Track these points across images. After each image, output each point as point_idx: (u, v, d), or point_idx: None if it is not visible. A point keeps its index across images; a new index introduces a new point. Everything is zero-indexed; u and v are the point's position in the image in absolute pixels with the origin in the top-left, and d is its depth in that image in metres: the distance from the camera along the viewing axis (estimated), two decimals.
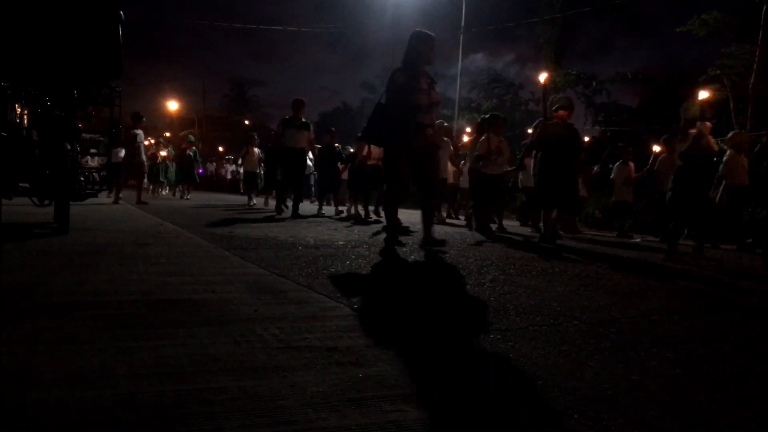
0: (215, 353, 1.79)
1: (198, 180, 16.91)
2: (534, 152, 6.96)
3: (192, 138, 16.69)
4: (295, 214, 8.82)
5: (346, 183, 11.11)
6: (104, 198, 11.26)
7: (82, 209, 6.75)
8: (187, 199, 14.83)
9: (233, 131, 46.19)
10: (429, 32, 5.01)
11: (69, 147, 4.74)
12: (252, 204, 12.38)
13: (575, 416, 1.44)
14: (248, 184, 13.58)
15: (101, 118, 6.11)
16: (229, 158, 31.72)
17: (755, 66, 11.92)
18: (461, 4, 20.44)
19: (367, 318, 2.38)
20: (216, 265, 3.52)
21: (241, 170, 24.46)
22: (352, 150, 11.75)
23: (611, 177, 9.83)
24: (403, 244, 5.09)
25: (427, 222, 5.14)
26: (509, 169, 8.79)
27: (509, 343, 2.11)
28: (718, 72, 14.18)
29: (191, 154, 15.40)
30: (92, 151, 6.76)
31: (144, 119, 12.50)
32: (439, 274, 3.66)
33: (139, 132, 11.63)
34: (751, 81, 11.94)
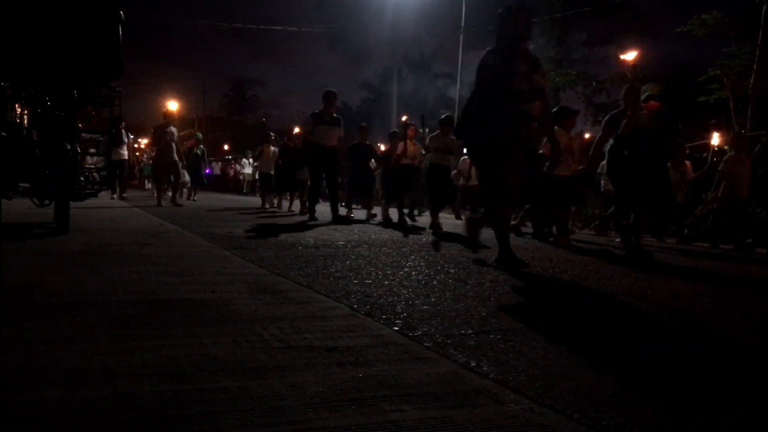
0: (215, 353, 1.79)
1: (206, 181, 16.02)
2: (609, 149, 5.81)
3: (199, 136, 15.66)
4: (337, 218, 8.07)
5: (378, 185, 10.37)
6: (107, 199, 11.28)
7: (82, 209, 6.74)
8: (194, 200, 14.01)
9: (233, 131, 46.18)
10: (520, 4, 4.26)
11: (69, 147, 4.74)
12: (267, 207, 11.77)
13: (575, 416, 1.44)
14: (264, 185, 12.56)
15: (101, 118, 6.11)
16: (229, 158, 31.61)
17: (755, 66, 11.92)
18: (461, 4, 20.44)
19: (366, 318, 2.38)
20: (216, 265, 3.52)
21: (244, 170, 23.65)
22: (383, 147, 10.99)
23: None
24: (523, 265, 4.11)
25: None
26: (577, 168, 7.51)
27: (509, 342, 2.11)
28: (718, 72, 14.18)
29: (198, 152, 14.54)
30: (92, 151, 6.76)
31: (174, 116, 12.00)
32: (440, 274, 3.65)
33: (173, 129, 10.97)
34: (751, 81, 11.94)
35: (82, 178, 5.64)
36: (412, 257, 4.39)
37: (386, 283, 3.21)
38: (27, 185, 4.84)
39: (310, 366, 1.71)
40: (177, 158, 10.78)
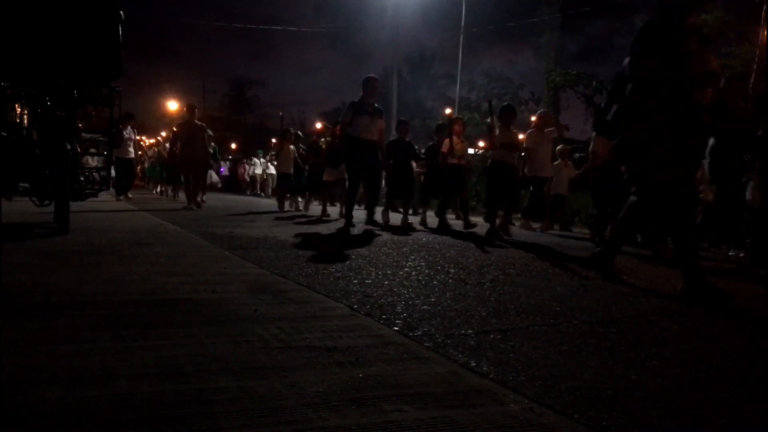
0: (215, 353, 1.79)
1: (219, 182, 15.21)
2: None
3: (210, 133, 15.53)
4: (371, 221, 7.40)
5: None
6: (113, 201, 11.25)
7: (82, 209, 6.74)
8: (203, 201, 12.95)
9: (234, 131, 46.14)
10: None
11: (69, 147, 4.74)
12: (285, 209, 10.85)
13: (575, 416, 1.44)
14: (282, 186, 11.44)
15: (101, 118, 6.11)
16: (231, 158, 31.44)
17: (755, 66, 11.91)
18: (461, 4, 20.44)
19: (366, 318, 2.38)
20: (216, 265, 3.52)
21: (256, 170, 22.52)
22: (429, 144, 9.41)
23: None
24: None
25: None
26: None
27: (509, 342, 2.11)
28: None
29: (211, 150, 13.25)
30: (92, 151, 6.76)
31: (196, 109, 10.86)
32: (440, 274, 3.65)
33: (200, 124, 10.00)
34: (751, 81, 11.94)
35: (82, 178, 5.64)
36: (412, 257, 4.39)
37: (386, 283, 3.21)
38: (27, 185, 4.84)
39: (310, 366, 1.71)
40: (200, 157, 9.77)
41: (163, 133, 13.23)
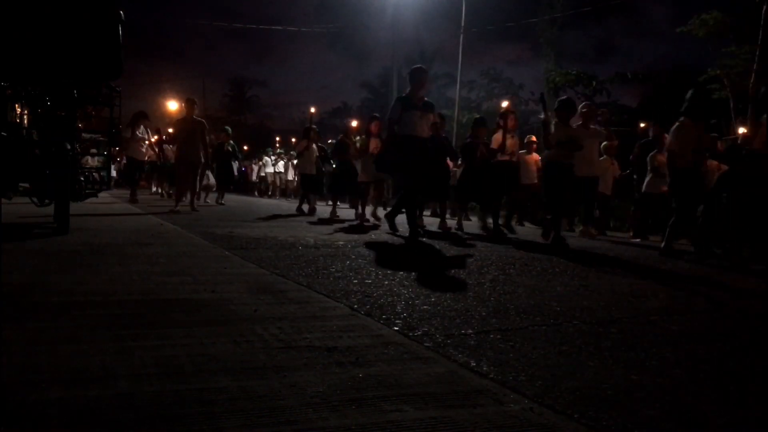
0: (215, 353, 1.79)
1: (234, 184, 13.75)
2: None
3: (229, 130, 13.16)
4: (415, 234, 6.18)
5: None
6: (112, 200, 11.21)
7: (82, 209, 6.74)
8: (222, 204, 11.83)
9: (234, 131, 46.03)
10: None
11: (69, 147, 4.74)
12: (306, 212, 9.87)
13: (575, 416, 1.44)
14: (305, 188, 10.35)
15: (101, 117, 6.11)
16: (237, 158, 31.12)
17: (755, 66, 11.92)
18: (461, 4, 20.43)
19: (366, 318, 2.38)
20: (216, 265, 3.52)
21: (267, 170, 21.52)
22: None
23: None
24: None
25: None
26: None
27: (509, 342, 2.11)
28: (718, 72, 14.17)
29: (230, 149, 12.31)
30: (93, 151, 6.76)
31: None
32: (440, 274, 3.66)
33: (199, 120, 9.06)
34: (751, 81, 11.94)
35: (82, 178, 5.64)
36: (412, 257, 4.39)
37: (386, 283, 3.21)
38: (27, 185, 4.83)
39: (310, 366, 1.71)
40: (202, 157, 8.88)
41: (155, 137, 12.32)
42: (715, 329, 2.62)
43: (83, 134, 6.00)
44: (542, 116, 6.64)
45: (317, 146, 10.40)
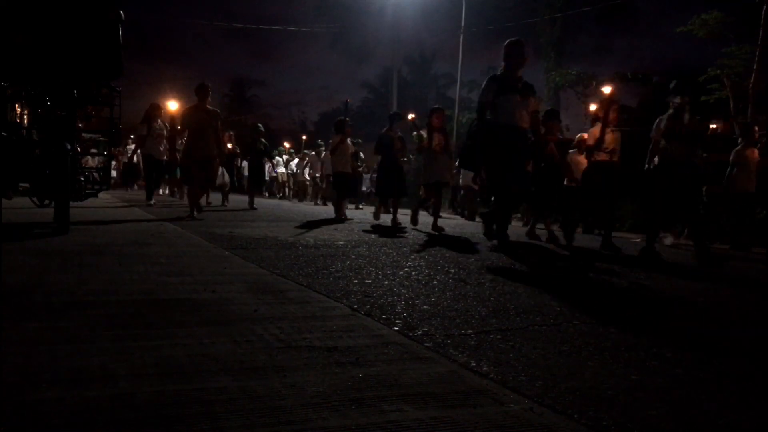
0: (215, 353, 1.79)
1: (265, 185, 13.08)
2: None
3: (260, 127, 11.85)
4: (504, 243, 5.37)
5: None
6: (112, 199, 11.18)
7: (82, 209, 6.74)
8: (254, 208, 10.28)
9: (234, 131, 46.03)
10: None
11: (69, 147, 4.74)
12: (344, 217, 8.52)
13: (575, 416, 1.44)
14: (339, 189, 8.89)
15: (101, 117, 6.10)
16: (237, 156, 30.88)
17: (755, 66, 11.91)
18: (461, 4, 20.44)
19: (366, 318, 2.38)
20: (216, 265, 3.52)
21: (278, 170, 19.84)
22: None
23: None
24: None
25: None
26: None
27: (509, 342, 2.11)
28: (718, 72, 14.17)
29: (262, 147, 11.12)
30: (92, 151, 6.76)
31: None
32: (440, 274, 3.65)
33: (212, 110, 7.73)
34: (751, 81, 11.94)
35: (82, 178, 5.64)
36: (412, 257, 4.39)
37: (386, 283, 3.21)
38: (27, 185, 4.83)
39: (310, 366, 1.71)
40: (214, 152, 7.58)
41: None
42: (715, 329, 2.62)
43: (83, 134, 6.00)
44: (677, 100, 5.34)
45: (352, 142, 9.15)
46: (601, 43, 24.95)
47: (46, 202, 5.21)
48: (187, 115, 7.66)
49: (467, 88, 23.77)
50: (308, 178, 17.80)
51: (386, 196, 8.68)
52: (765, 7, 11.38)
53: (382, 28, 27.31)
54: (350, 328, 2.18)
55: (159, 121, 9.95)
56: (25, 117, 5.18)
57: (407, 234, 6.58)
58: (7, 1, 4.16)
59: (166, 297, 2.57)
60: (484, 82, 5.48)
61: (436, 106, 8.37)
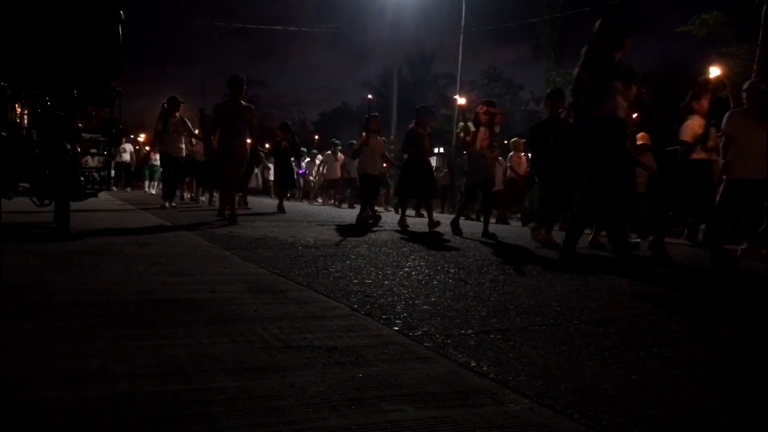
0: (215, 353, 1.79)
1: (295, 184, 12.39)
2: None
3: (289, 124, 11.20)
4: (625, 251, 4.67)
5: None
6: (111, 199, 11.14)
7: (82, 209, 6.74)
8: (284, 212, 9.53)
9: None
10: None
11: (69, 147, 4.74)
12: (370, 220, 7.80)
13: (575, 416, 1.44)
14: (367, 191, 8.05)
15: (101, 118, 6.10)
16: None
17: (755, 66, 11.91)
18: (461, 4, 20.45)
19: (366, 318, 2.38)
20: (216, 265, 3.52)
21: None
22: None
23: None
24: None
25: None
26: None
27: (509, 342, 2.11)
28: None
29: (288, 146, 10.45)
30: (92, 151, 6.75)
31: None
32: (440, 274, 3.65)
33: (249, 105, 7.27)
34: (752, 81, 11.94)
35: (82, 178, 5.63)
36: (412, 257, 4.39)
37: (386, 283, 3.21)
38: (27, 185, 4.83)
39: (310, 366, 1.71)
40: (246, 151, 7.13)
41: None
42: (715, 329, 2.62)
43: (83, 134, 5.99)
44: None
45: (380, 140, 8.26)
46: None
47: (46, 202, 5.20)
48: (221, 111, 7.11)
49: (467, 88, 23.80)
50: (314, 178, 17.31)
51: (414, 198, 8.07)
52: (765, 7, 11.38)
53: (382, 28, 27.34)
54: (350, 328, 2.18)
55: (177, 115, 9.28)
56: (25, 117, 5.18)
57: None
58: (7, 1, 4.16)
59: (166, 297, 2.57)
60: (580, 62, 4.41)
61: (489, 98, 7.57)
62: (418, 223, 8.22)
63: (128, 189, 12.62)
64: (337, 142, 15.90)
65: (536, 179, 6.55)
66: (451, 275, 3.60)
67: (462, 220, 7.30)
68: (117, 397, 1.41)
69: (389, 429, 1.31)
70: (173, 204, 9.22)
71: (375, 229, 7.07)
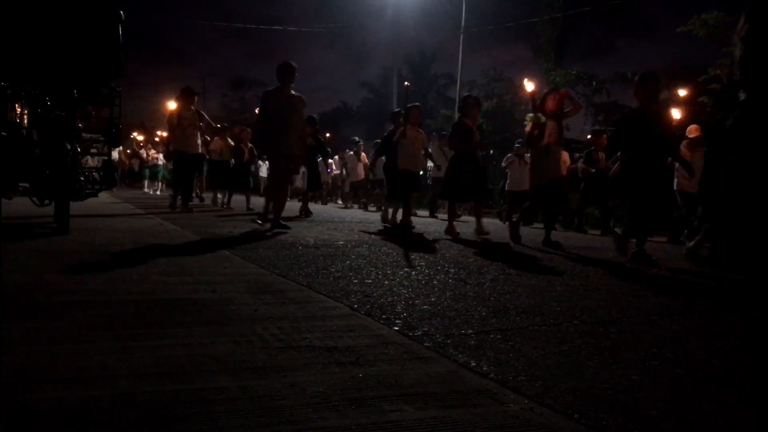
0: (215, 353, 1.79)
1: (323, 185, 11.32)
2: None
3: (315, 119, 9.64)
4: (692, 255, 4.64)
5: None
6: (112, 199, 11.13)
7: (82, 209, 6.74)
8: (310, 214, 8.99)
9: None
10: None
11: (69, 147, 4.74)
12: (411, 224, 7.17)
13: (575, 416, 1.44)
14: (398, 188, 7.22)
15: (101, 118, 6.10)
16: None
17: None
18: (461, 4, 20.44)
19: (366, 318, 2.38)
20: (216, 265, 3.52)
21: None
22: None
23: None
24: None
25: None
26: None
27: (509, 342, 2.11)
28: (718, 72, 14.17)
29: (314, 142, 8.93)
30: (93, 150, 6.74)
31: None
32: (440, 274, 3.65)
33: (300, 96, 6.27)
34: None
35: (82, 178, 5.63)
36: (412, 257, 4.39)
37: (386, 283, 3.21)
38: (27, 185, 4.83)
39: (310, 366, 1.71)
40: (302, 149, 6.36)
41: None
42: (715, 329, 2.62)
43: (83, 134, 5.99)
44: None
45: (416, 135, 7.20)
46: (601, 43, 24.97)
47: (46, 202, 5.20)
48: (269, 101, 6.18)
49: (467, 88, 23.79)
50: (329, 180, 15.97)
51: (464, 200, 7.21)
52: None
53: (382, 28, 27.34)
54: (350, 328, 2.18)
55: (192, 108, 8.58)
56: (25, 117, 5.18)
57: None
58: (7, 1, 4.16)
59: (166, 297, 2.57)
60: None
61: (556, 88, 6.57)
62: (432, 224, 7.99)
63: (113, 190, 12.09)
64: (357, 139, 14.34)
65: (628, 184, 4.96)
66: (451, 275, 3.60)
67: (484, 221, 6.71)
68: (117, 397, 1.41)
69: (389, 429, 1.31)
70: (187, 206, 8.55)
71: (368, 230, 7.06)
